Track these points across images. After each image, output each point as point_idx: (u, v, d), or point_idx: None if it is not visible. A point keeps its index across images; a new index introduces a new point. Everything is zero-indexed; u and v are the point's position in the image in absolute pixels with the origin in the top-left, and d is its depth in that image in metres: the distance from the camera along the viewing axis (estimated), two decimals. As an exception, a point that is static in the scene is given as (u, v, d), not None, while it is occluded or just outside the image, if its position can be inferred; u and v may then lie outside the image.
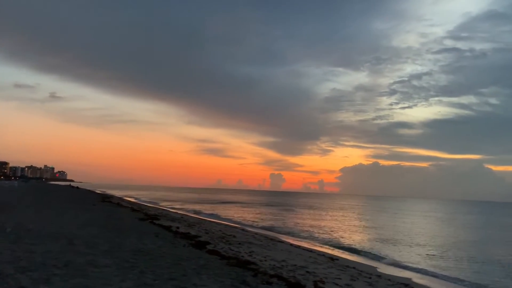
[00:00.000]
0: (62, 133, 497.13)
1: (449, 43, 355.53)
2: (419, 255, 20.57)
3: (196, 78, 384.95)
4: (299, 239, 25.03)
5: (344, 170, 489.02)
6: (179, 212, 42.12)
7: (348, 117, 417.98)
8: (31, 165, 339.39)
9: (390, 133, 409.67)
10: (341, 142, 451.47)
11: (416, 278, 14.56)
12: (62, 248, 9.99)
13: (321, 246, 22.15)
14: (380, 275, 13.63)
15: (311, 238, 25.90)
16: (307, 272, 11.64)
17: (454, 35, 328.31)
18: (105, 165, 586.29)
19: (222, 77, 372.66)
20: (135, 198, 73.03)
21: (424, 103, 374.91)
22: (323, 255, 17.49)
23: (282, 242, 21.28)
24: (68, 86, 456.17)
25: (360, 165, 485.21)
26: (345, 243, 23.64)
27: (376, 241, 25.42)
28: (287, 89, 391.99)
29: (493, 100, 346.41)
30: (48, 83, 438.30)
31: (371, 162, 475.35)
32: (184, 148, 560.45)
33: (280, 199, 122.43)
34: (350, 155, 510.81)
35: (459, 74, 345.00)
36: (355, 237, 27.36)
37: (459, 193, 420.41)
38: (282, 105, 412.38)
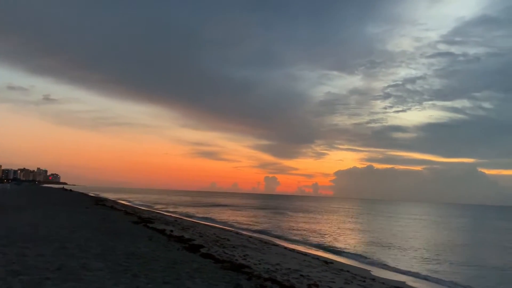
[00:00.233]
0: (56, 135, 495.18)
1: (443, 47, 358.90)
2: (413, 258, 20.65)
3: (191, 80, 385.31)
4: (293, 242, 25.04)
5: (339, 173, 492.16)
6: (173, 215, 41.95)
7: (342, 120, 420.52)
8: (24, 168, 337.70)
9: (384, 137, 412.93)
10: (336, 146, 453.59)
11: (410, 281, 14.64)
12: (54, 252, 9.91)
13: (315, 250, 22.18)
14: (374, 279, 13.67)
15: (305, 241, 25.91)
16: (301, 275, 11.64)
17: (448, 40, 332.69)
18: (99, 168, 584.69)
19: (218, 80, 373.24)
20: (129, 201, 72.65)
21: (418, 107, 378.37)
22: (317, 258, 17.49)
23: (277, 245, 21.27)
24: (62, 88, 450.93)
25: (355, 168, 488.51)
26: (339, 247, 23.67)
27: (370, 245, 25.47)
28: (282, 92, 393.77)
29: (486, 104, 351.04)
30: (42, 85, 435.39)
31: (365, 166, 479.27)
32: (178, 151, 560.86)
33: (275, 202, 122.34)
34: (344, 158, 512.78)
35: (453, 78, 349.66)
36: (349, 241, 27.41)
37: (453, 196, 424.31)
38: (277, 108, 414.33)
